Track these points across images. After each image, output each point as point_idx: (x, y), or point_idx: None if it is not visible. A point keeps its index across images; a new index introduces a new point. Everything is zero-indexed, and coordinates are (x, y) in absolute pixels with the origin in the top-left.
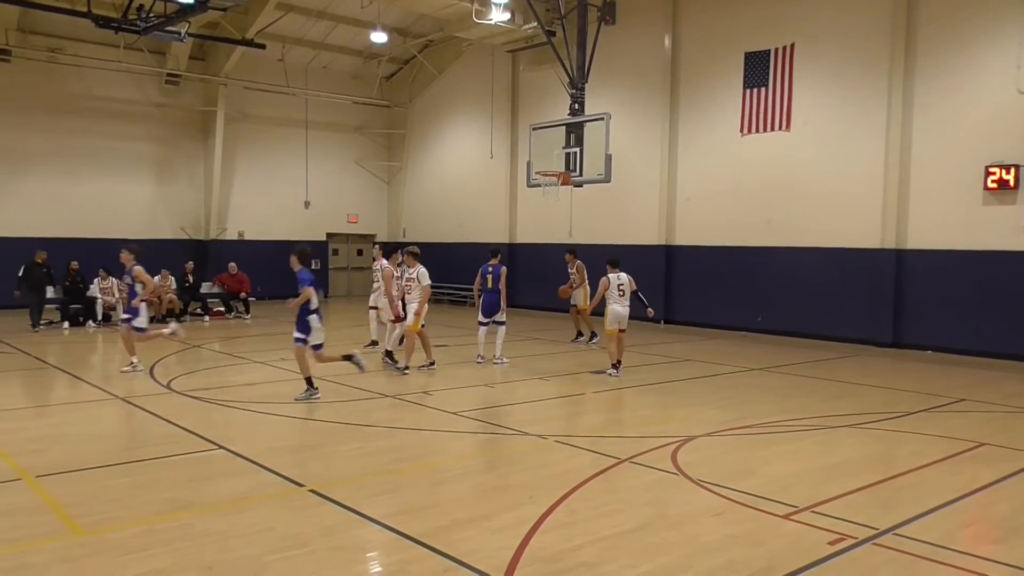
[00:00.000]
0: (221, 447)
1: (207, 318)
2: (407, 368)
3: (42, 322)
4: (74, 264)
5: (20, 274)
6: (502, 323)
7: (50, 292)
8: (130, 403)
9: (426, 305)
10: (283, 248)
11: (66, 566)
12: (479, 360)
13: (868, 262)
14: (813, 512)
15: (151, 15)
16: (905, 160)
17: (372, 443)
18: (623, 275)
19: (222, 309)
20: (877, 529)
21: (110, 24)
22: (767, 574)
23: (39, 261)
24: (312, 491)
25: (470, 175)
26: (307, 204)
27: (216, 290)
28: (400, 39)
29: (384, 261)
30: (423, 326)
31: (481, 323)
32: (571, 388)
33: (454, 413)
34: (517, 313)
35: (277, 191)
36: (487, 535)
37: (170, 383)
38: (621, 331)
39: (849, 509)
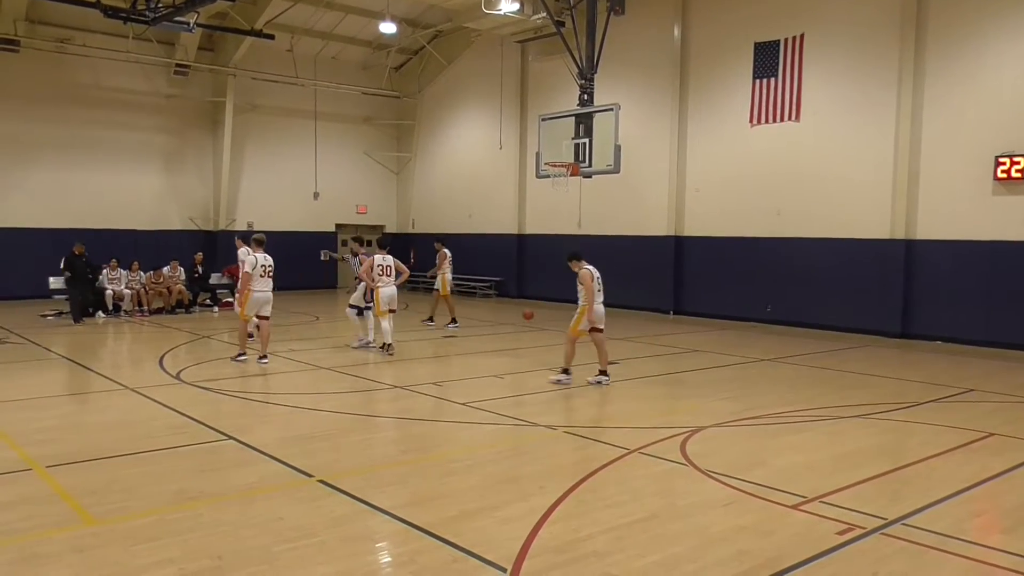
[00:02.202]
0: (230, 438)
1: (216, 309)
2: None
3: (51, 314)
4: (79, 247)
5: (62, 266)
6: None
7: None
8: (140, 394)
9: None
10: (292, 239)
11: (77, 556)
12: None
13: (877, 252)
14: (822, 502)
15: (160, 5)
16: (915, 150)
17: (381, 434)
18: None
19: (231, 300)
20: (886, 519)
21: (119, 14)
22: (776, 564)
23: (77, 252)
24: (321, 482)
25: (479, 166)
26: (316, 195)
27: (225, 281)
28: (409, 29)
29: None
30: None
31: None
32: (577, 378)
33: (463, 404)
34: (525, 304)
35: (286, 182)
36: (496, 525)
37: (179, 374)
38: (597, 329)
39: (858, 499)
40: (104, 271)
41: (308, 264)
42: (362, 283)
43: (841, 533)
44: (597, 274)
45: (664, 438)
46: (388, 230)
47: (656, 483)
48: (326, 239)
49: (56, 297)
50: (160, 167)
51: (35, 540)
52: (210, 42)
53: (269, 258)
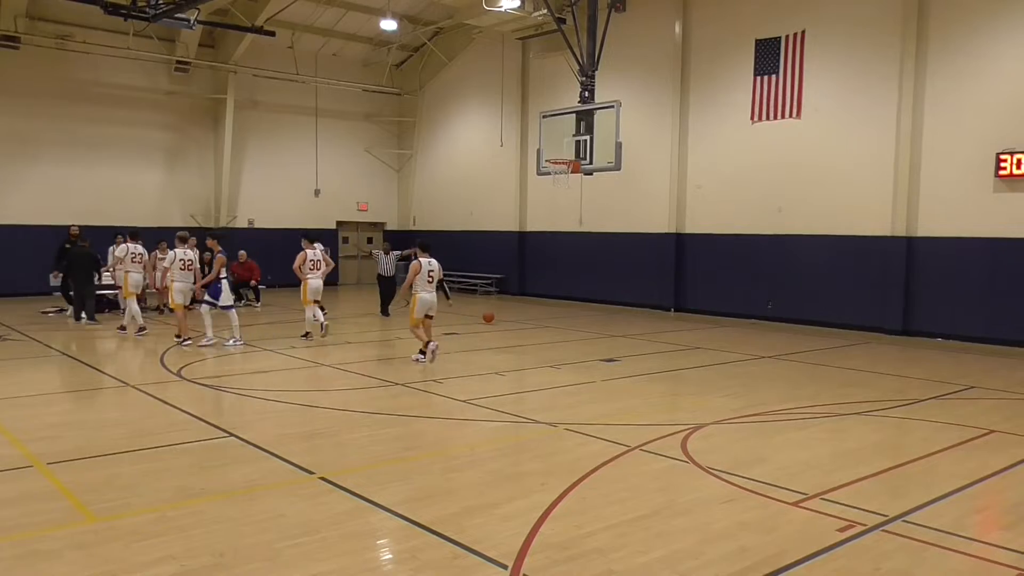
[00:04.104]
0: (232, 435)
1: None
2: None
3: (52, 310)
4: (74, 228)
5: (57, 255)
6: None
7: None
8: (141, 391)
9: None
10: (293, 236)
11: (79, 552)
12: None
13: (878, 249)
14: (823, 499)
15: (160, 2)
16: (916, 147)
17: (382, 431)
18: (434, 261)
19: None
20: (887, 516)
21: (119, 11)
22: (777, 560)
23: (74, 234)
24: (322, 479)
25: (480, 163)
26: (317, 192)
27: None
28: (410, 26)
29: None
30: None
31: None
32: (581, 376)
33: (464, 401)
34: (526, 301)
35: (287, 179)
36: (497, 522)
37: (180, 371)
38: (428, 317)
39: (859, 496)
40: (109, 263)
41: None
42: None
43: (842, 530)
44: (430, 268)
45: (665, 435)
46: (389, 227)
47: (657, 480)
48: (327, 236)
49: (56, 294)
50: (161, 163)
51: (36, 536)
52: (211, 39)
53: (189, 252)
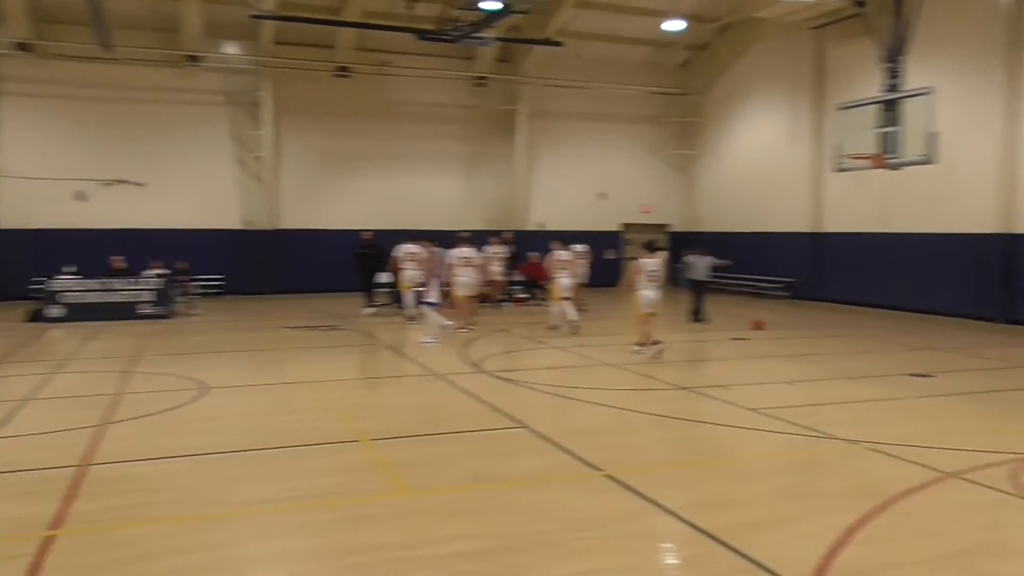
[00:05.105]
0: (524, 426)
1: (511, 304)
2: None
3: (375, 305)
4: (366, 233)
5: (355, 255)
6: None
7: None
8: (445, 379)
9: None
10: (581, 238)
11: (393, 520)
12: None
13: None
14: None
15: (462, 24)
16: None
17: (670, 434)
18: (657, 261)
19: (526, 295)
20: None
21: (428, 36)
22: None
23: (366, 238)
24: (608, 475)
25: (770, 161)
26: (603, 195)
27: (519, 277)
28: (695, 25)
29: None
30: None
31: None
32: (885, 391)
33: (754, 410)
34: (819, 307)
35: (574, 183)
36: (790, 540)
37: (479, 363)
38: (650, 314)
39: None
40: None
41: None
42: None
43: None
44: (652, 267)
45: (989, 464)
46: (673, 229)
47: (980, 513)
48: (611, 239)
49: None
50: (460, 172)
51: (360, 503)
52: (505, 53)
53: (469, 250)
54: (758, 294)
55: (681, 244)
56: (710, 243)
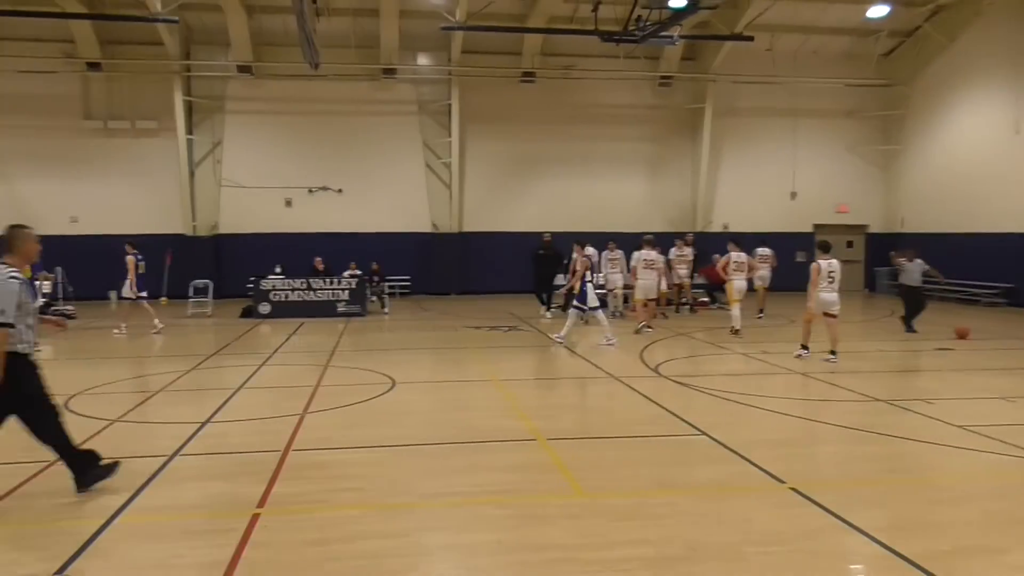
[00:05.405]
0: (704, 433)
1: (693, 308)
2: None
3: (553, 306)
4: (546, 235)
5: (533, 258)
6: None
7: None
8: (623, 382)
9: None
10: (767, 240)
11: (568, 522)
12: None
13: None
14: None
15: (647, 23)
16: None
17: (861, 448)
18: (834, 262)
19: (707, 299)
20: None
21: (612, 38)
22: None
23: (546, 240)
24: (793, 489)
25: (987, 154)
26: (793, 195)
27: (701, 281)
28: (902, 10)
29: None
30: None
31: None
32: None
33: (959, 427)
34: None
35: (761, 183)
36: (1000, 571)
37: (657, 367)
38: (830, 315)
39: None
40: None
41: (784, 265)
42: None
43: None
44: (831, 268)
45: None
46: (872, 230)
47: None
48: (802, 240)
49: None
50: (643, 174)
51: (536, 502)
52: (691, 51)
53: (652, 253)
54: (969, 300)
55: (880, 245)
56: (914, 244)
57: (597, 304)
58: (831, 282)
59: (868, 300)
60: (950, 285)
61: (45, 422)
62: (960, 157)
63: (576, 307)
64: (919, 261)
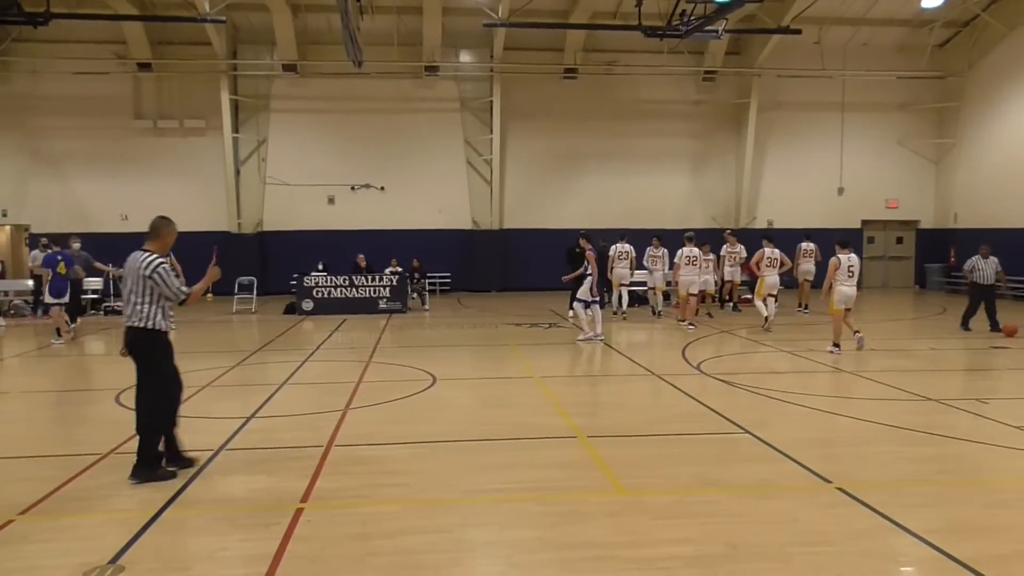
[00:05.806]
0: (747, 431)
1: (736, 307)
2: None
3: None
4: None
5: (568, 256)
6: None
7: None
8: (664, 380)
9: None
10: (812, 236)
11: (609, 520)
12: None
13: None
14: None
15: (692, 17)
16: None
17: (912, 449)
18: (854, 257)
19: (749, 296)
20: None
21: (656, 32)
22: None
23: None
24: (840, 489)
25: None
26: (840, 190)
27: (743, 277)
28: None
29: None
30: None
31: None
32: None
33: (1017, 427)
34: None
35: (807, 178)
36: None
37: (700, 365)
38: (847, 310)
39: None
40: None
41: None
42: (588, 278)
43: None
44: (850, 263)
45: None
46: (923, 226)
47: None
48: (851, 236)
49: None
50: (687, 169)
51: (576, 499)
52: (736, 45)
53: (695, 250)
54: (1022, 297)
55: (931, 241)
56: (968, 240)
57: (592, 299)
58: (851, 276)
59: (919, 297)
60: (1009, 282)
61: (154, 395)
62: (1017, 150)
63: (579, 300)
64: (994, 259)
